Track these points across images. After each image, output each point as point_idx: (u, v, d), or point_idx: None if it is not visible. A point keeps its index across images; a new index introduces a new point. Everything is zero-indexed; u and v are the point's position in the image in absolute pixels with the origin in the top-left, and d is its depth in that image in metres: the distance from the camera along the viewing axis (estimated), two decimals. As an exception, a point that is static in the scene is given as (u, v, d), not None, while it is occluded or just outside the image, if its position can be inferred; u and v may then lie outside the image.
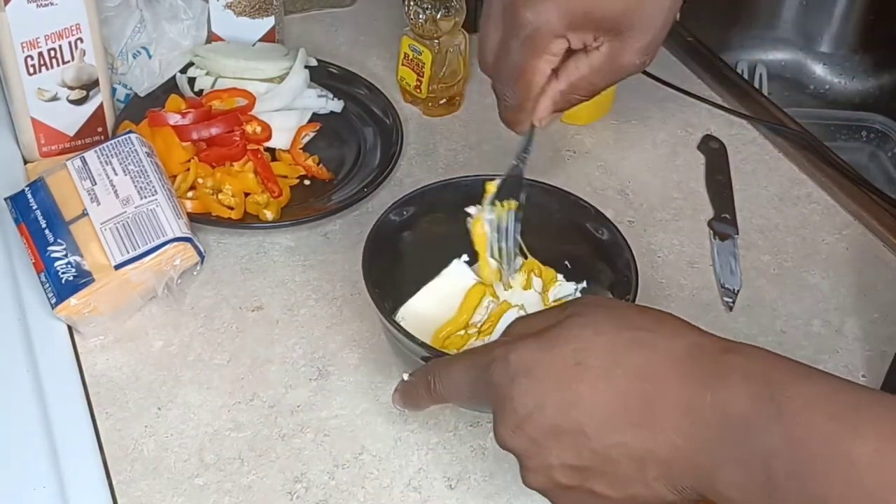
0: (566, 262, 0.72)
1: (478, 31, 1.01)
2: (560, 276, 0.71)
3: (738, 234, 0.82)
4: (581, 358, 0.48)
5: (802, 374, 0.46)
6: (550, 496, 0.51)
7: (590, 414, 0.48)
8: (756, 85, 1.19)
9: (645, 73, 0.97)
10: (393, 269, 0.70)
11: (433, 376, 0.55)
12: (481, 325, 0.67)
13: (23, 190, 0.74)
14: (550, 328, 0.50)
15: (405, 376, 0.58)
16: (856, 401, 0.44)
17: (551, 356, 0.49)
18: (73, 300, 0.68)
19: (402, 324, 0.65)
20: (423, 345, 0.62)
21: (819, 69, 1.22)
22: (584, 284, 0.71)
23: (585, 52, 0.64)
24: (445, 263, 0.71)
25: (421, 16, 0.88)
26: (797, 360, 0.47)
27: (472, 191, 0.71)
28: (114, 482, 0.62)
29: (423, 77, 0.91)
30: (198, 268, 0.74)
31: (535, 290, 0.70)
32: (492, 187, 0.70)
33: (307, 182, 0.85)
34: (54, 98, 0.81)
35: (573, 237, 0.72)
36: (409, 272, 0.71)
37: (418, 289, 0.69)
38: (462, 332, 0.67)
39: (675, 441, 0.46)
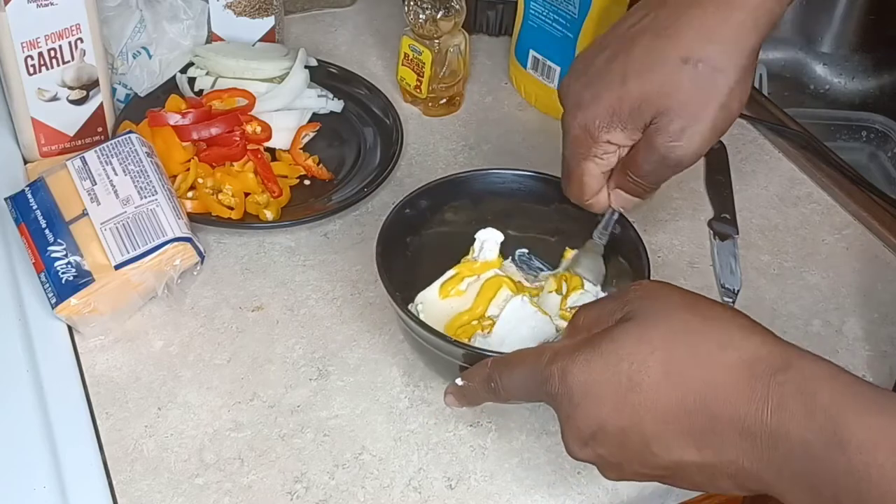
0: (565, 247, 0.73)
1: (478, 30, 1.01)
2: (587, 284, 0.70)
3: (738, 234, 0.82)
4: (638, 379, 0.49)
5: (863, 404, 0.45)
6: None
7: (653, 435, 0.49)
8: (756, 85, 1.19)
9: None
10: (405, 262, 0.70)
11: (494, 381, 0.56)
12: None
13: (23, 190, 0.74)
14: (605, 335, 0.51)
15: (459, 381, 0.58)
16: None
17: (607, 376, 0.49)
18: (73, 300, 0.68)
19: (420, 312, 0.66)
20: (442, 336, 0.62)
21: (819, 69, 1.22)
22: (600, 290, 0.71)
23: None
24: (458, 257, 0.71)
25: (421, 16, 0.88)
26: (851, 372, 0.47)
27: (482, 185, 0.73)
28: (114, 482, 0.62)
29: (423, 77, 0.91)
30: (198, 268, 0.74)
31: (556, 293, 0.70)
32: (569, 254, 0.72)
33: (307, 182, 0.85)
34: (54, 98, 0.81)
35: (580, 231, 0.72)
36: (423, 265, 0.71)
37: (431, 281, 0.70)
38: (475, 321, 0.67)
39: (739, 461, 0.47)
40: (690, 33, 0.61)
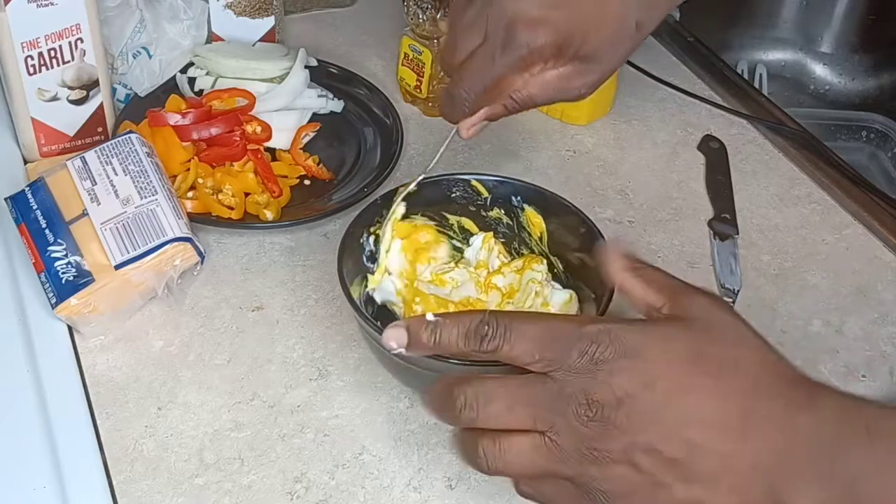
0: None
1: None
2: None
3: (738, 234, 0.82)
4: (692, 357, 0.48)
5: (893, 410, 0.48)
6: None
7: (693, 410, 0.47)
8: (756, 85, 1.19)
9: (645, 72, 0.97)
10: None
11: (492, 325, 0.50)
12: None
13: (23, 190, 0.74)
14: (681, 318, 0.50)
15: (430, 316, 0.52)
16: None
17: (676, 345, 0.49)
18: (73, 300, 0.68)
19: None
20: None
21: (819, 69, 1.22)
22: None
23: (539, 68, 0.66)
24: None
25: (421, 16, 0.88)
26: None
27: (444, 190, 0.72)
28: (114, 482, 0.62)
29: (423, 77, 0.91)
30: (198, 268, 0.74)
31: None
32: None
33: (307, 182, 0.85)
34: (54, 98, 0.81)
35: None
36: None
37: None
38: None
39: (764, 453, 0.47)
40: None
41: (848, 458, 0.45)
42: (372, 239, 0.70)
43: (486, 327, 0.49)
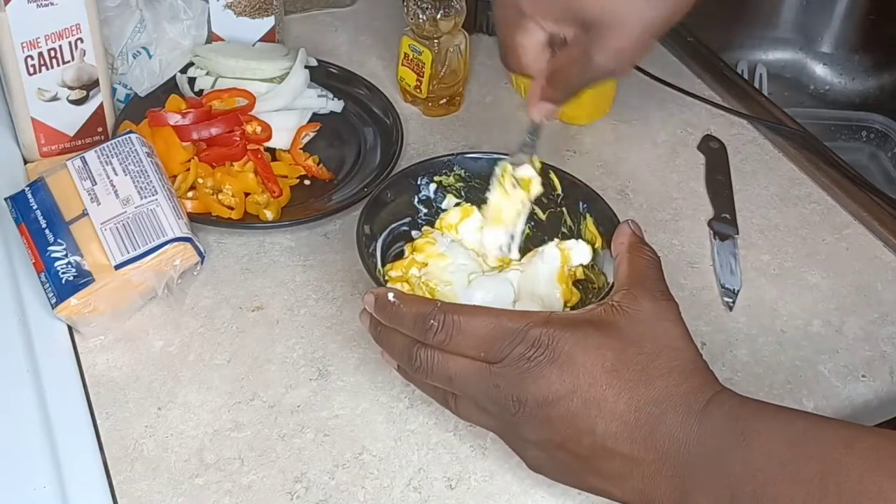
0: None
1: (478, 30, 1.02)
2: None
3: (738, 234, 0.82)
4: (620, 367, 0.53)
5: (770, 410, 0.51)
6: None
7: (609, 417, 0.52)
8: (756, 85, 1.19)
9: (645, 73, 0.97)
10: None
11: (438, 319, 0.55)
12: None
13: (23, 190, 0.74)
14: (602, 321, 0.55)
15: (391, 297, 0.57)
16: (806, 427, 0.49)
17: (595, 354, 0.53)
18: (73, 300, 0.68)
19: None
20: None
21: (819, 69, 1.22)
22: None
23: (567, 45, 0.66)
24: None
25: (421, 16, 0.88)
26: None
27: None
28: (114, 482, 0.62)
29: (423, 77, 0.91)
30: (198, 268, 0.74)
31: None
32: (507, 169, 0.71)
33: (307, 182, 0.85)
34: (54, 98, 0.81)
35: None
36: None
37: None
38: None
39: (665, 461, 0.51)
40: None
41: (726, 466, 0.49)
42: (433, 186, 0.72)
43: (432, 321, 0.55)
